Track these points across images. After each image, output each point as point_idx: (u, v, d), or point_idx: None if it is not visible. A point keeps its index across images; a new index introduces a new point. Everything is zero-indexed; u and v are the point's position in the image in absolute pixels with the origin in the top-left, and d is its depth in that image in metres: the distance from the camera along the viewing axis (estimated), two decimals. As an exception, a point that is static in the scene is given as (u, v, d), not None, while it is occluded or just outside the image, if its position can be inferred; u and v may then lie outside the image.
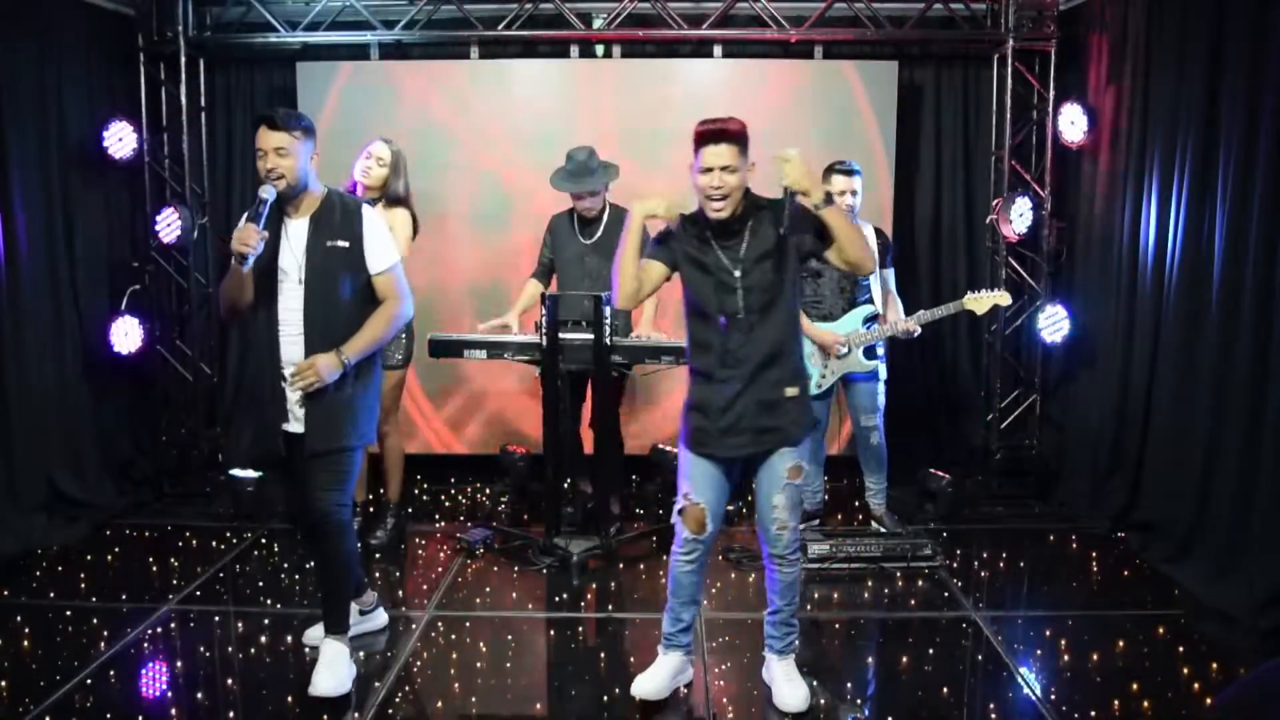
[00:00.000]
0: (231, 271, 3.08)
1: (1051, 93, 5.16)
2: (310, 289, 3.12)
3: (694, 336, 3.08)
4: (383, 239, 3.25)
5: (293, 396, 3.17)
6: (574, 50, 5.39)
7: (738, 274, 2.96)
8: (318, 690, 3.14)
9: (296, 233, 3.15)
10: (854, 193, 4.35)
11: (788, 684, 3.18)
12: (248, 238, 2.99)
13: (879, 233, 4.59)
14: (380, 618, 3.72)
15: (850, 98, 5.36)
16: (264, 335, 3.17)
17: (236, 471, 5.04)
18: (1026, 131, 5.28)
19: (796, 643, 3.25)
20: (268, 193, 3.06)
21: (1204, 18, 4.16)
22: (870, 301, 4.52)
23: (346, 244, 3.15)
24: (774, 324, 2.99)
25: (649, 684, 3.19)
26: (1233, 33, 3.99)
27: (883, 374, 4.57)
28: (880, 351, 4.56)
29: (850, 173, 4.35)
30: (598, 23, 5.34)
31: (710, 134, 2.86)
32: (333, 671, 3.18)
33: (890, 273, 4.62)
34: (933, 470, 5.11)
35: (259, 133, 3.08)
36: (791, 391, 3.02)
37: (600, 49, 5.46)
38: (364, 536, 4.54)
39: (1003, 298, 4.49)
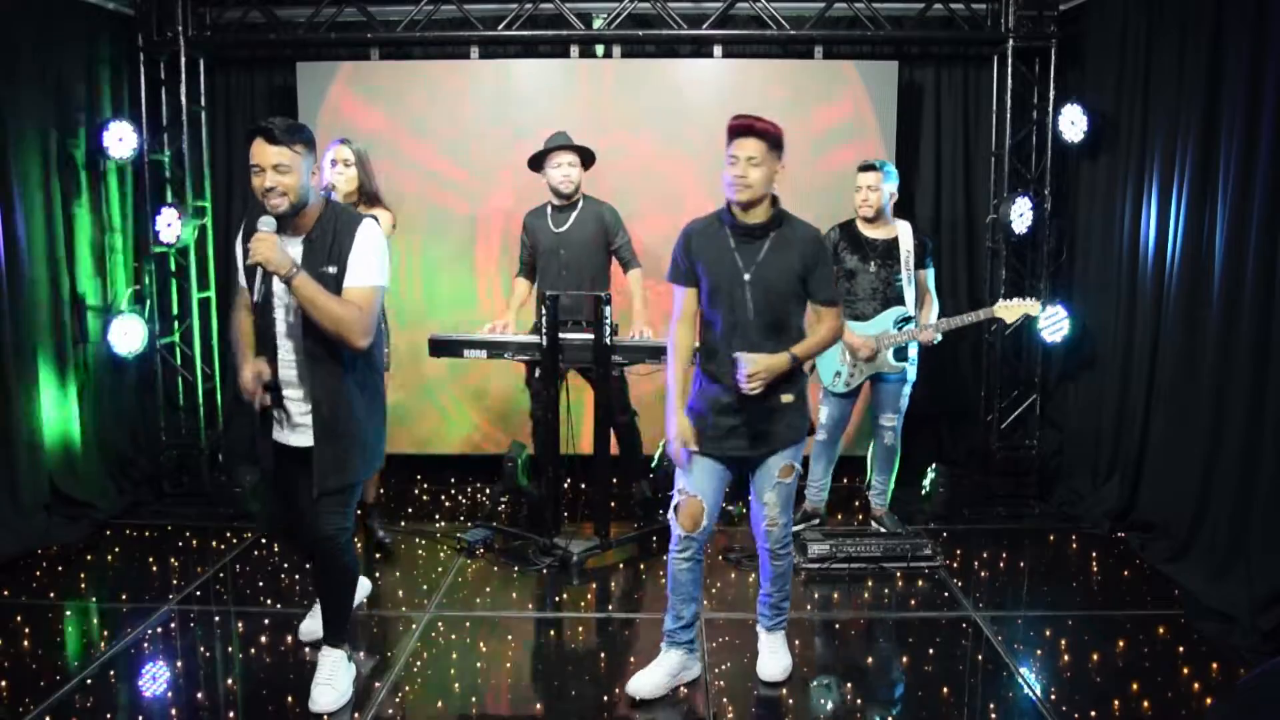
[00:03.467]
0: (238, 313, 3.06)
1: (1051, 93, 5.16)
2: (301, 313, 2.88)
3: (704, 340, 3.15)
4: (368, 259, 2.91)
5: (291, 408, 3.00)
6: (574, 50, 5.39)
7: (747, 277, 3.01)
8: (318, 707, 3.12)
9: (290, 254, 2.91)
10: (871, 188, 4.36)
11: (771, 656, 3.38)
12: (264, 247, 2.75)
13: (916, 230, 4.55)
14: (363, 585, 3.79)
15: (850, 98, 5.36)
16: (261, 349, 3.00)
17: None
18: (1026, 131, 5.28)
19: (785, 621, 3.43)
20: (268, 225, 2.78)
21: (1204, 18, 4.16)
22: (903, 302, 4.46)
23: (335, 270, 2.88)
24: (780, 335, 3.04)
25: (644, 681, 3.21)
26: (1233, 33, 3.99)
27: (911, 375, 4.55)
28: (912, 354, 4.53)
29: (868, 169, 4.38)
30: (598, 23, 5.33)
31: (738, 128, 2.96)
32: (333, 685, 3.16)
33: (928, 273, 4.57)
34: (932, 469, 5.12)
35: (254, 146, 2.77)
36: (788, 399, 3.09)
37: (600, 49, 5.45)
38: (367, 539, 4.57)
39: (1033, 307, 4.40)
